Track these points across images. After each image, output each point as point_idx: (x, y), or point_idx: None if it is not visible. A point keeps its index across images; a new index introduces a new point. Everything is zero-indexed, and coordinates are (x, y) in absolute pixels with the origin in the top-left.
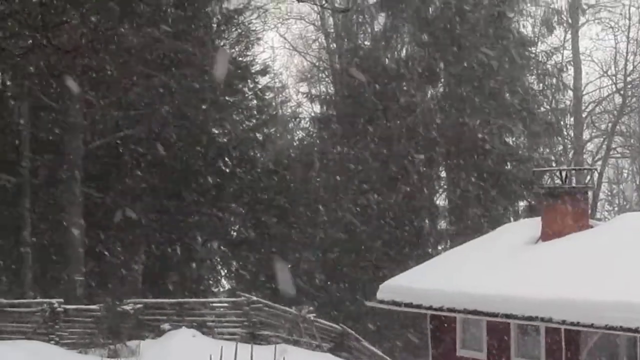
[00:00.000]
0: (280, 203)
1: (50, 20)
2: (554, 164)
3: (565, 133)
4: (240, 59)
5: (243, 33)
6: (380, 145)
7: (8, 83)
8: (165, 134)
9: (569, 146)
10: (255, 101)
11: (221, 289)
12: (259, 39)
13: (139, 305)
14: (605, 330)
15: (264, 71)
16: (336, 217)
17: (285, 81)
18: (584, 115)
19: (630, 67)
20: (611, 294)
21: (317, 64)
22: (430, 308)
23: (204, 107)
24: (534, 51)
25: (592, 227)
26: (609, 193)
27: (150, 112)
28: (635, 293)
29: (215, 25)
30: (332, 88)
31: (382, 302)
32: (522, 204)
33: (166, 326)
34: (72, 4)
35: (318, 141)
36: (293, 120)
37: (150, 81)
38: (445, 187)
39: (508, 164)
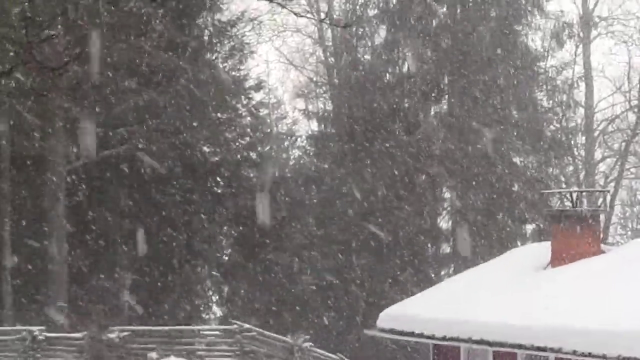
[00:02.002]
0: (275, 226)
1: (35, 35)
2: (564, 185)
3: (576, 153)
4: (233, 73)
5: (236, 46)
6: (380, 164)
7: None
8: (153, 152)
9: (580, 167)
10: (248, 118)
11: (212, 316)
12: (253, 52)
13: (125, 333)
14: None
15: (258, 86)
16: (334, 240)
17: (281, 97)
18: (595, 134)
19: None
20: (625, 322)
21: (314, 78)
22: (432, 337)
23: (194, 124)
24: (543, 66)
25: (604, 252)
26: (622, 216)
27: (138, 129)
28: None
29: (207, 38)
30: (330, 104)
31: (382, 330)
32: (530, 227)
33: (154, 355)
34: (59, 15)
35: (315, 160)
36: (289, 138)
37: (139, 96)
38: (449, 208)
39: (515, 184)
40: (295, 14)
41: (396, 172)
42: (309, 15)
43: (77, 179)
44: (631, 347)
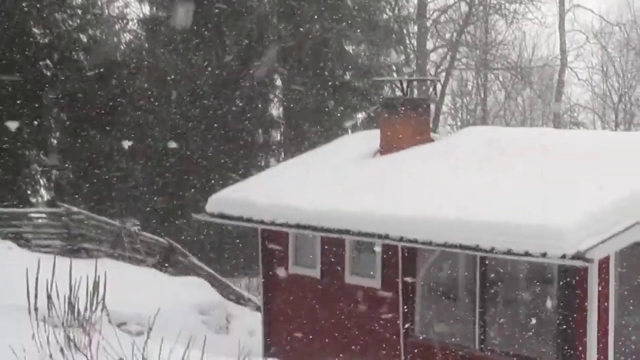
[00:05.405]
0: (105, 110)
1: None
2: (395, 74)
3: (408, 42)
4: None
5: None
6: (212, 50)
7: None
8: None
9: (412, 56)
10: None
11: (40, 199)
12: None
13: None
14: (443, 248)
15: None
16: (164, 126)
17: None
18: (428, 24)
19: None
20: (450, 210)
21: None
22: (261, 222)
23: (23, 5)
24: None
25: (433, 140)
26: (452, 106)
27: None
28: (474, 211)
29: None
30: None
31: (210, 215)
32: (360, 115)
33: None
34: None
35: (147, 45)
36: (120, 21)
37: None
38: (280, 96)
39: (347, 73)
40: None
41: (228, 58)
42: None
43: None
44: (457, 235)
